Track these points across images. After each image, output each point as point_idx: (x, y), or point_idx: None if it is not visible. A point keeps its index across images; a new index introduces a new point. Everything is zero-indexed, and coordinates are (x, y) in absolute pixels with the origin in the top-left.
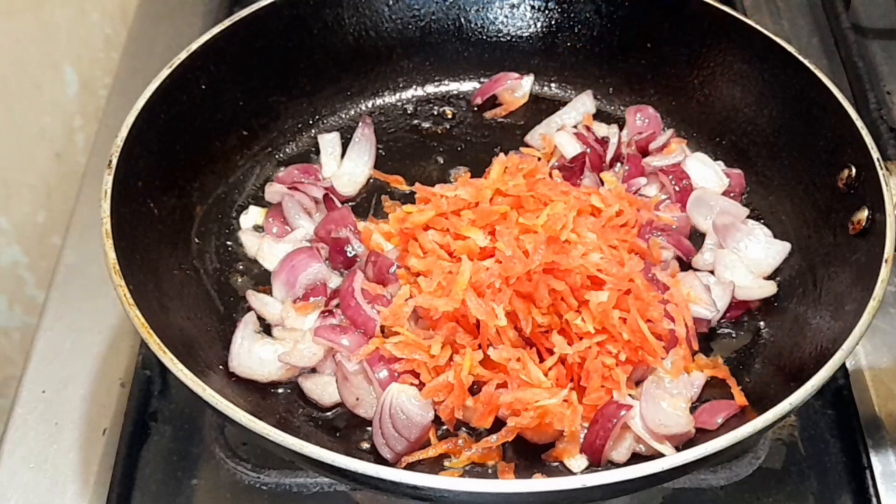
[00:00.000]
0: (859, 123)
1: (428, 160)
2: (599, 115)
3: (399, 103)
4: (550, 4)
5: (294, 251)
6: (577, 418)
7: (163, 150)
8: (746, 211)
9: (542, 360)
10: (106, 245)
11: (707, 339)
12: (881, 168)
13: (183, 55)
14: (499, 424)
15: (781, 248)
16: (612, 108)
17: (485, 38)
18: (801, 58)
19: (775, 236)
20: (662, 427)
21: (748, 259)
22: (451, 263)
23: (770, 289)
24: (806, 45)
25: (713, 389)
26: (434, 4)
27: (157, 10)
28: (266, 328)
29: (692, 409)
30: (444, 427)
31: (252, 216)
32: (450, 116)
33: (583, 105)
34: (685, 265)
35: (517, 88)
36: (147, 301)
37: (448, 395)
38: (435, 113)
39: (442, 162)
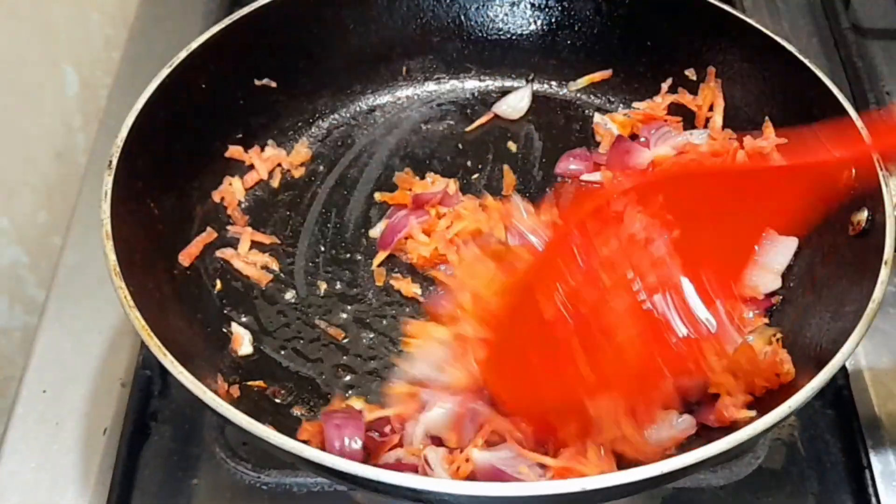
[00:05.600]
0: (859, 124)
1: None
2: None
3: (399, 102)
4: (550, 3)
5: None
6: None
7: (163, 150)
8: None
9: None
10: (106, 247)
11: None
12: (881, 169)
13: (183, 54)
14: None
15: (790, 244)
16: (612, 107)
17: (485, 36)
18: (801, 57)
19: None
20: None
21: (761, 259)
22: None
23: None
24: (805, 44)
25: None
26: (434, 3)
27: (157, 10)
28: None
29: (692, 410)
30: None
31: None
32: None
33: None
34: None
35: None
36: (147, 302)
37: None
38: (436, 112)
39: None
